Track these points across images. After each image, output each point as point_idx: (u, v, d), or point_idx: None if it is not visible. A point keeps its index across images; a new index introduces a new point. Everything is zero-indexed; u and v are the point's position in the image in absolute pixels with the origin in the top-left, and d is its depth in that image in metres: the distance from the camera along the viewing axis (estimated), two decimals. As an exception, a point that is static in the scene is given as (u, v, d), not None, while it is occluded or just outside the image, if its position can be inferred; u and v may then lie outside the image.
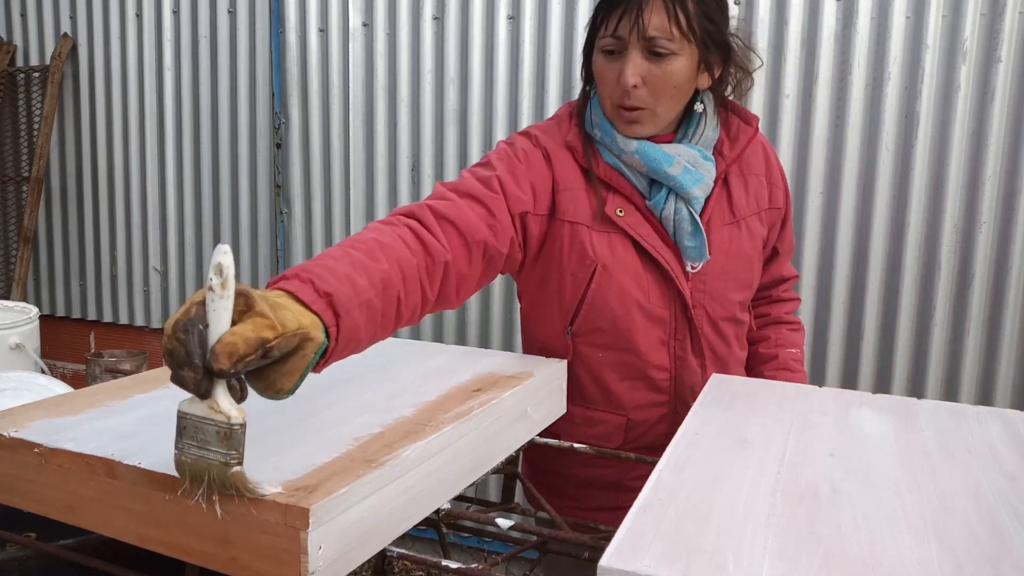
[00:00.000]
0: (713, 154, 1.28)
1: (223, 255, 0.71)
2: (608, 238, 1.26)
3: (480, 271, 1.16)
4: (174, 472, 0.76)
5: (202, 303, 0.71)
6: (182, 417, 0.71)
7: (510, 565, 2.61)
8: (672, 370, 1.31)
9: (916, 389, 2.33)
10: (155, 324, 3.29)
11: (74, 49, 3.28)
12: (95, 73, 3.26)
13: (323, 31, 2.84)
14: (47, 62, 3.30)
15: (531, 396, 1.15)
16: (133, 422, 0.92)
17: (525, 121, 2.59)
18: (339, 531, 0.74)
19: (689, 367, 1.31)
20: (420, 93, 2.73)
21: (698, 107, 1.27)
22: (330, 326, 0.81)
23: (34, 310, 2.77)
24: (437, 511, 0.94)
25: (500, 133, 2.63)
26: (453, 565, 0.85)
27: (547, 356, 1.33)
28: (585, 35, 1.26)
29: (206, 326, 0.70)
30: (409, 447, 0.85)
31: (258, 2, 2.94)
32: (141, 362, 2.80)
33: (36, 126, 3.33)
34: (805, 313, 2.39)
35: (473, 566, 0.85)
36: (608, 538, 0.73)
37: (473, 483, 1.01)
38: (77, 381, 3.05)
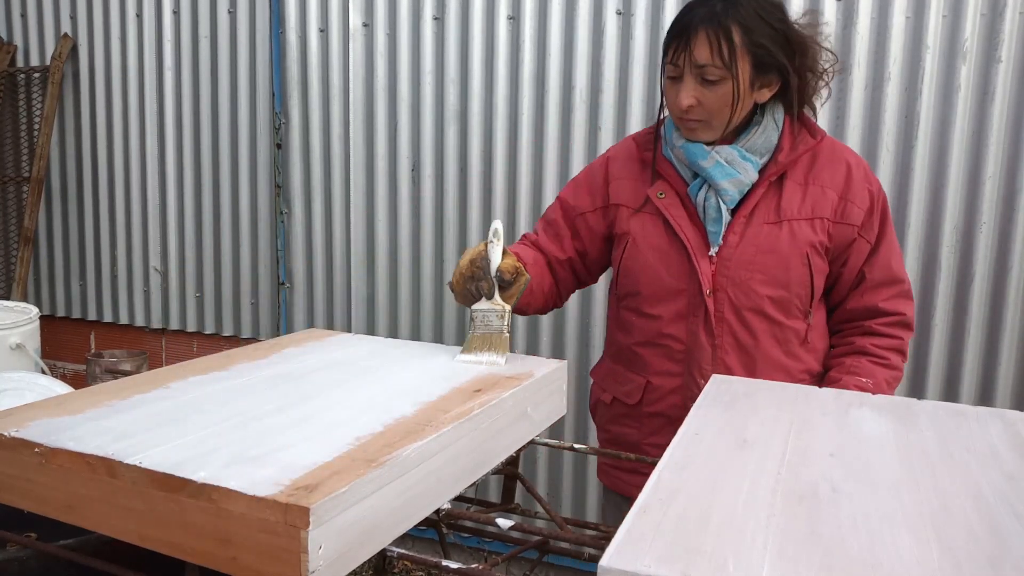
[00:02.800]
0: (771, 158, 1.43)
1: (498, 223, 1.37)
2: (643, 217, 1.49)
3: (566, 273, 1.60)
4: (175, 472, 0.76)
5: (483, 249, 1.35)
6: (475, 311, 1.33)
7: (510, 565, 2.61)
8: (687, 343, 1.45)
9: (916, 389, 2.33)
10: (155, 324, 3.29)
11: (74, 49, 3.28)
12: (95, 73, 3.26)
13: (323, 31, 2.84)
14: (47, 62, 3.30)
15: (531, 396, 1.15)
16: (133, 422, 0.92)
17: (525, 121, 2.59)
18: (339, 530, 0.74)
19: (700, 344, 1.44)
20: (420, 93, 2.73)
21: (758, 118, 1.43)
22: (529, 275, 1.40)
23: (34, 310, 2.78)
24: (437, 511, 0.95)
25: (500, 133, 2.63)
26: (453, 565, 0.85)
27: (610, 324, 1.62)
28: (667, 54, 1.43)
29: (489, 259, 1.34)
30: (409, 447, 0.85)
31: (258, 2, 2.94)
32: (141, 362, 2.80)
33: (36, 126, 3.33)
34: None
35: (473, 566, 0.85)
36: (608, 538, 0.73)
37: (473, 483, 1.01)
38: (77, 381, 3.05)
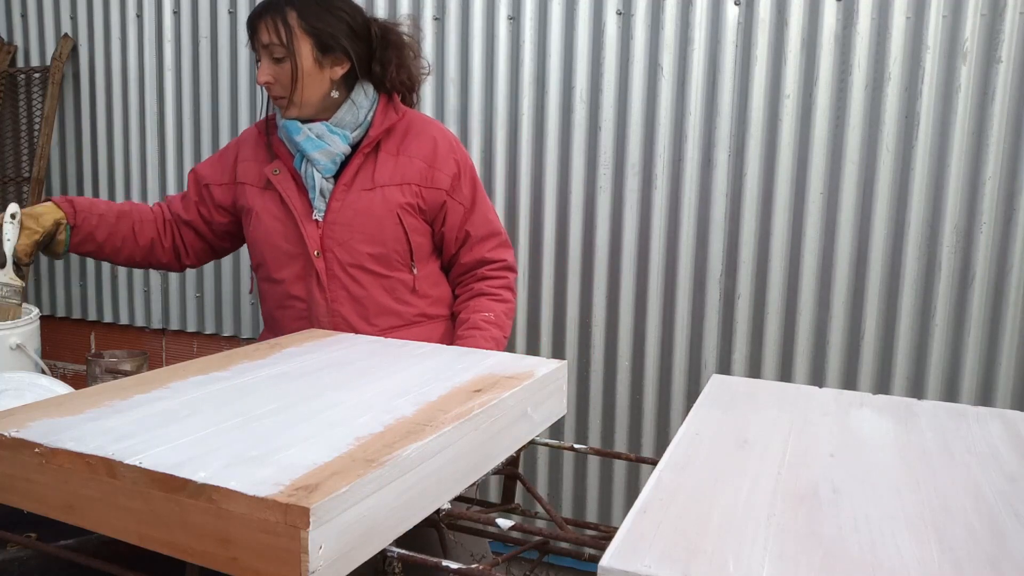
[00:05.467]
0: (364, 133, 1.67)
1: (14, 206, 1.55)
2: (263, 193, 1.71)
3: (192, 235, 1.82)
4: (175, 472, 0.76)
5: None
6: None
7: (510, 565, 2.61)
8: (306, 299, 1.68)
9: (916, 389, 2.33)
10: (155, 324, 3.29)
11: (74, 49, 3.28)
12: (95, 73, 3.26)
13: (323, 31, 2.83)
14: (47, 62, 3.30)
15: (531, 396, 1.15)
16: (133, 422, 0.92)
17: (525, 121, 2.59)
18: (339, 531, 0.74)
19: (315, 299, 1.67)
20: (420, 93, 2.73)
21: (334, 94, 1.67)
22: (69, 217, 1.67)
23: (34, 310, 2.77)
24: (437, 511, 0.95)
25: (500, 133, 2.63)
26: (453, 565, 0.85)
27: (260, 299, 1.82)
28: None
29: (7, 240, 1.55)
30: (409, 447, 0.85)
31: (258, 2, 2.94)
32: (141, 362, 2.80)
33: (36, 126, 3.33)
34: (805, 312, 2.39)
35: (473, 566, 0.85)
36: (608, 538, 0.73)
37: (473, 483, 1.01)
38: (77, 381, 3.05)
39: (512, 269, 1.80)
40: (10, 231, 1.53)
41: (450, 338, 1.75)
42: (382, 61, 1.70)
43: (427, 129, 1.73)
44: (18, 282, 1.57)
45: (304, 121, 1.66)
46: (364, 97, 1.69)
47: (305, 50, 1.61)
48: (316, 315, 1.67)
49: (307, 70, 1.62)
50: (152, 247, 1.80)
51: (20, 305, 1.60)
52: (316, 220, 1.65)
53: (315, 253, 1.65)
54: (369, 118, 1.69)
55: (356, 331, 1.66)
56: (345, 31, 1.64)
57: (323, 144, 1.64)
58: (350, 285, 1.66)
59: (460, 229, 1.73)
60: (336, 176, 1.68)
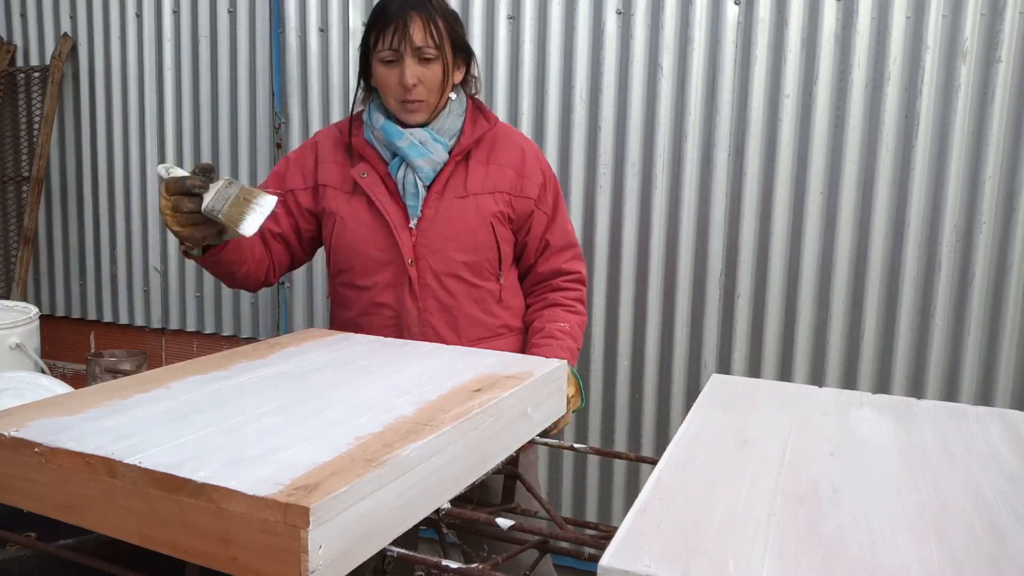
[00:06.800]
0: (457, 140, 1.63)
1: (160, 167, 1.35)
2: (348, 196, 1.64)
3: (280, 246, 1.69)
4: (175, 472, 0.76)
5: (161, 183, 1.34)
6: (207, 206, 1.29)
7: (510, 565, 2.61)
8: (395, 308, 1.62)
9: (916, 389, 2.33)
10: (155, 324, 3.29)
11: (74, 49, 3.28)
12: (95, 73, 3.25)
13: (323, 31, 2.84)
14: (47, 62, 3.29)
15: (531, 396, 1.15)
16: (133, 422, 0.92)
17: (525, 121, 2.59)
18: (339, 530, 0.74)
19: (406, 308, 1.61)
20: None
21: (452, 95, 1.63)
22: None
23: (34, 310, 2.77)
24: (437, 511, 0.95)
25: (500, 133, 2.63)
26: (453, 565, 0.85)
27: (331, 302, 1.74)
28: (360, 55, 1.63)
29: (181, 180, 1.30)
30: (409, 447, 0.85)
31: (258, 2, 2.94)
32: (141, 362, 2.80)
33: (36, 126, 3.33)
34: (805, 312, 2.39)
35: (473, 566, 0.85)
36: (608, 538, 0.73)
37: (473, 483, 1.01)
38: (77, 381, 3.05)
39: (584, 282, 1.77)
40: (173, 169, 1.34)
41: (523, 349, 1.71)
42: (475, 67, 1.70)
43: (513, 138, 1.71)
44: (221, 180, 1.31)
45: (404, 125, 1.61)
46: (460, 104, 1.66)
47: (449, 53, 1.58)
48: (406, 324, 1.62)
49: (451, 71, 1.60)
50: (258, 265, 1.66)
51: (244, 186, 1.31)
52: (410, 227, 1.60)
53: (409, 261, 1.59)
54: (460, 125, 1.66)
55: (444, 342, 1.60)
56: (462, 33, 1.63)
57: (427, 152, 1.59)
58: (441, 294, 1.61)
59: (541, 239, 1.71)
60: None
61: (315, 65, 2.86)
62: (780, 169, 2.36)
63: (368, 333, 1.59)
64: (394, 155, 1.62)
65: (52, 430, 0.88)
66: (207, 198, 1.29)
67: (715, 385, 1.20)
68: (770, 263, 2.40)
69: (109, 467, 0.80)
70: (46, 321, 3.27)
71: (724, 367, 2.45)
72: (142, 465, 0.78)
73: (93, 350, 3.39)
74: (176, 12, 3.08)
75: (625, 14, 2.46)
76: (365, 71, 1.65)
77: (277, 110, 2.92)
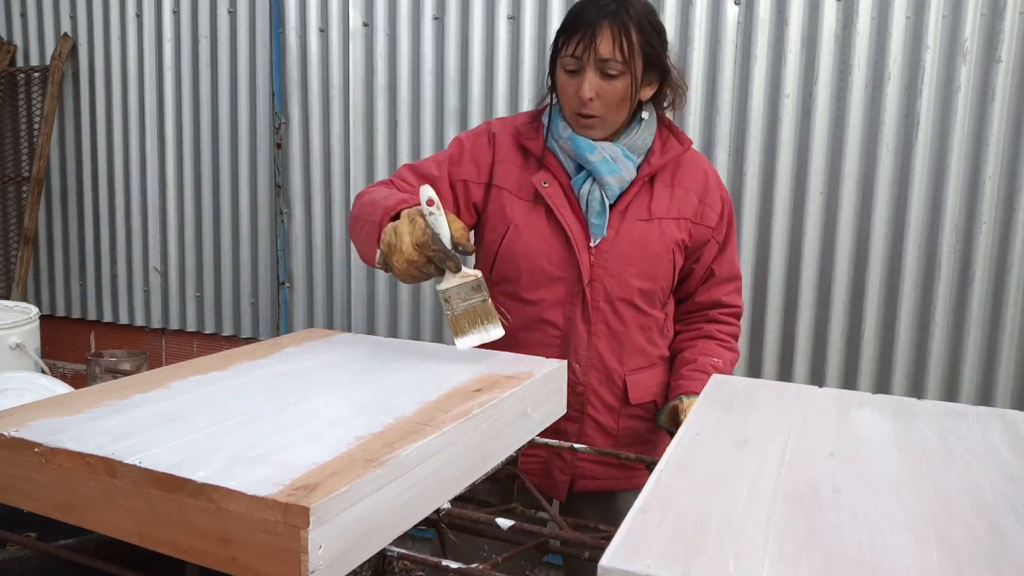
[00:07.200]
0: (643, 159, 1.52)
1: (430, 191, 1.19)
2: (526, 204, 1.53)
3: None
4: (175, 472, 0.76)
5: (426, 226, 1.20)
6: (445, 291, 1.22)
7: (510, 565, 2.60)
8: (563, 329, 1.52)
9: (916, 389, 2.33)
10: (155, 324, 3.29)
11: (74, 49, 3.28)
12: (95, 73, 3.25)
13: (323, 31, 2.84)
14: (47, 62, 3.30)
15: (531, 396, 1.15)
16: (133, 422, 0.92)
17: (525, 121, 2.59)
18: (339, 530, 0.74)
19: (576, 330, 1.52)
20: (420, 93, 2.73)
21: (644, 114, 1.52)
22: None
23: (34, 310, 2.77)
24: (437, 511, 0.95)
25: (500, 133, 2.63)
26: (453, 565, 0.85)
27: None
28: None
29: (439, 234, 1.19)
30: (409, 447, 0.85)
31: (258, 2, 2.94)
32: (141, 362, 2.80)
33: (36, 126, 3.33)
34: (805, 312, 2.39)
35: (473, 566, 0.85)
36: (608, 538, 0.73)
37: (473, 483, 1.01)
38: (77, 381, 3.05)
39: (740, 317, 1.66)
40: (440, 222, 1.20)
41: (668, 379, 1.62)
42: (672, 85, 1.55)
43: (698, 161, 1.60)
44: (472, 275, 1.22)
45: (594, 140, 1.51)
46: (652, 122, 1.54)
47: (638, 68, 1.45)
48: (574, 346, 1.52)
49: (637, 90, 1.47)
50: None
51: (487, 299, 1.24)
52: (590, 247, 1.50)
53: (586, 281, 1.50)
54: (650, 143, 1.54)
55: (607, 368, 1.53)
56: (664, 51, 1.49)
57: (617, 169, 1.48)
58: (612, 320, 1.52)
59: (707, 268, 1.61)
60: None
61: (315, 65, 2.86)
62: (780, 169, 2.36)
63: (526, 348, 1.50)
64: (578, 168, 1.51)
65: (52, 430, 0.88)
66: (449, 279, 1.22)
67: (715, 385, 1.20)
68: (770, 263, 2.40)
69: (109, 467, 0.80)
70: (46, 321, 3.27)
71: (724, 367, 2.45)
72: (142, 465, 0.78)
73: (93, 350, 3.39)
74: (176, 12, 3.08)
75: (625, 14, 2.46)
76: (552, 71, 1.53)
77: (277, 110, 2.92)
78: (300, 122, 2.90)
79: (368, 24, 2.78)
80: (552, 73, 1.52)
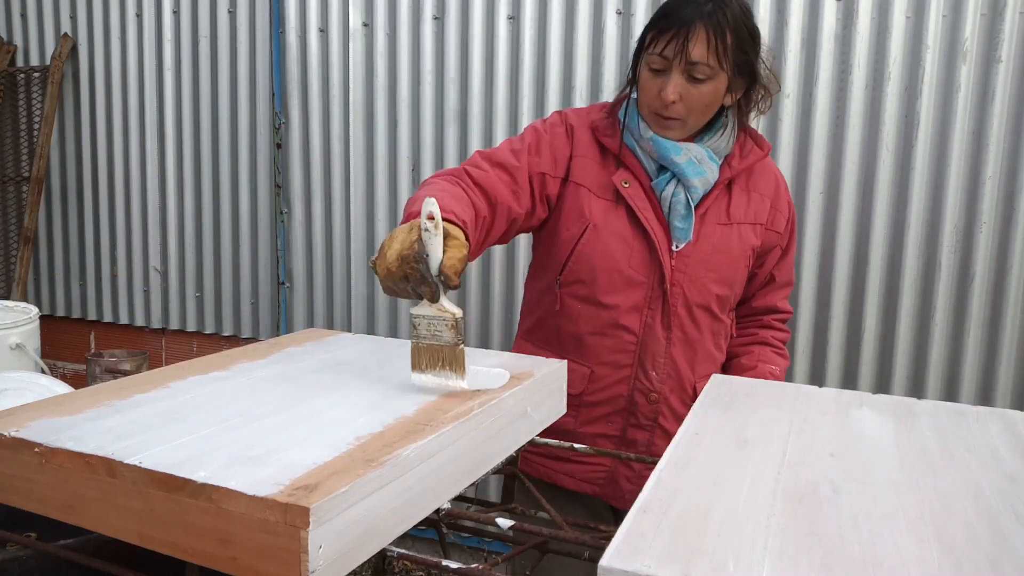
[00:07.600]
0: (723, 163, 1.47)
1: (433, 205, 1.02)
2: (606, 204, 1.46)
3: (503, 229, 1.43)
4: (175, 472, 0.76)
5: (417, 240, 1.03)
6: (416, 317, 1.04)
7: (510, 565, 2.61)
8: (639, 335, 1.47)
9: (916, 389, 2.33)
10: (155, 324, 3.29)
11: (74, 49, 3.28)
12: (95, 73, 3.25)
13: (323, 31, 2.84)
14: (47, 62, 3.30)
15: (531, 396, 1.15)
16: (133, 422, 0.92)
17: (525, 121, 2.59)
18: (339, 530, 0.74)
19: (655, 336, 1.47)
20: (420, 93, 2.73)
21: (724, 120, 1.47)
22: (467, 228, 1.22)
23: (34, 310, 2.77)
24: (437, 511, 0.94)
25: (500, 133, 2.63)
26: (453, 565, 0.85)
27: (538, 308, 1.55)
28: (634, 45, 1.45)
29: (427, 255, 1.03)
30: (409, 447, 0.85)
31: (258, 2, 2.94)
32: (141, 362, 2.80)
33: (36, 126, 3.33)
34: (805, 313, 2.39)
35: (473, 566, 0.85)
36: (608, 538, 0.73)
37: (473, 483, 1.01)
38: (77, 381, 3.05)
39: (787, 322, 1.66)
40: (433, 242, 1.04)
41: None
42: (760, 91, 1.49)
43: (769, 166, 1.56)
44: (450, 311, 1.03)
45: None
46: (734, 125, 1.49)
47: (727, 76, 1.38)
48: (651, 352, 1.47)
49: (718, 96, 1.41)
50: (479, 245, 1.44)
51: (460, 345, 1.04)
52: (672, 250, 1.45)
53: (668, 286, 1.45)
54: (731, 147, 1.49)
55: (680, 377, 1.49)
56: (756, 56, 1.42)
57: (703, 171, 1.43)
58: (688, 327, 1.47)
59: (769, 273, 1.58)
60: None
61: (315, 65, 2.86)
62: (780, 169, 2.35)
63: (596, 354, 1.47)
64: (659, 169, 1.46)
65: (52, 430, 0.88)
66: (423, 306, 1.05)
67: (715, 385, 1.20)
68: (770, 263, 2.40)
69: (109, 467, 0.80)
70: (46, 321, 3.27)
71: (724, 367, 2.45)
72: (142, 465, 0.78)
73: (93, 350, 3.39)
74: (176, 12, 3.08)
75: (625, 14, 2.46)
76: (635, 65, 1.45)
77: (277, 110, 2.92)
78: (300, 122, 2.90)
79: (368, 24, 2.78)
80: (635, 67, 1.44)
